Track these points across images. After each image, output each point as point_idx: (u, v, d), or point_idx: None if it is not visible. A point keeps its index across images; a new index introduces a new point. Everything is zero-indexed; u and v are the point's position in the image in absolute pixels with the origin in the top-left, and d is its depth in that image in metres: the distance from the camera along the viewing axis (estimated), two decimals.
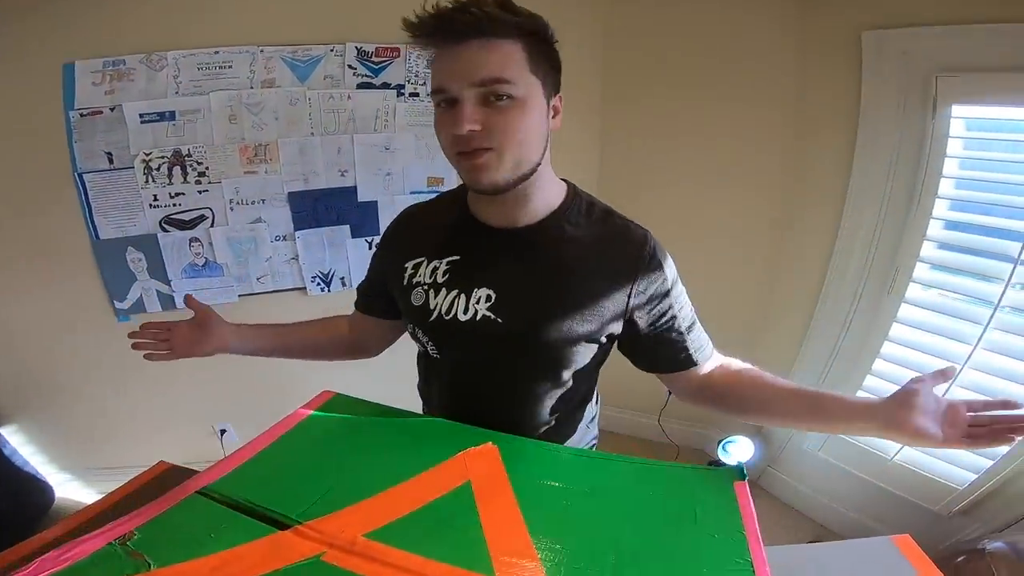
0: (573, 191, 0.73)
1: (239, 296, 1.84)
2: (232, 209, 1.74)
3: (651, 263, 0.69)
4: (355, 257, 1.88)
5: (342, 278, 1.90)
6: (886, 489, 1.65)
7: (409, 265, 0.74)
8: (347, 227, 1.84)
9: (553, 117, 0.66)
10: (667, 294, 0.71)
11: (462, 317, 0.69)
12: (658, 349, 0.74)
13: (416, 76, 1.76)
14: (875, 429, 0.60)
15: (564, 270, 0.68)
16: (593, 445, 0.90)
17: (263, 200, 1.75)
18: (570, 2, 1.84)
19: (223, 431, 1.98)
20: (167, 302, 1.79)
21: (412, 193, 1.86)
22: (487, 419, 0.71)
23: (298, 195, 1.77)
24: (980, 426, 0.56)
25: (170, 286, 1.77)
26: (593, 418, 0.88)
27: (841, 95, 1.56)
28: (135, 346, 0.83)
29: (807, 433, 1.79)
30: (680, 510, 0.55)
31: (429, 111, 1.80)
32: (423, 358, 0.81)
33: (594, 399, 0.87)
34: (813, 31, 1.62)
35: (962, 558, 1.30)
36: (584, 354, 0.71)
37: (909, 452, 1.61)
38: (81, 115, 1.58)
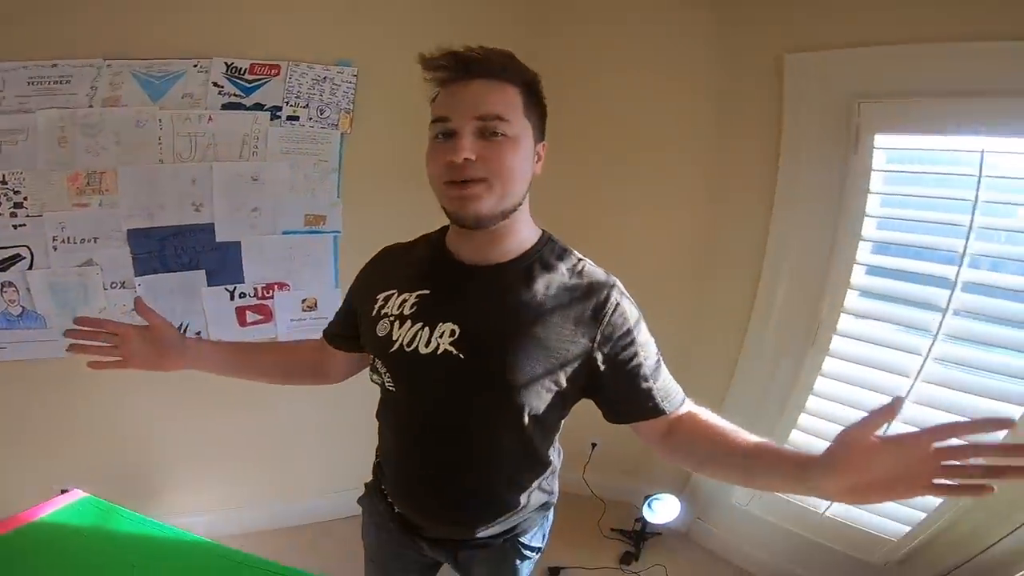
0: (547, 237, 0.78)
1: (67, 352, 1.47)
2: (56, 249, 1.42)
3: (616, 310, 0.72)
4: (213, 308, 1.55)
5: (198, 332, 1.55)
6: (818, 542, 1.60)
7: (380, 297, 0.77)
8: (203, 272, 1.52)
9: (537, 162, 0.72)
10: (632, 342, 0.73)
11: (423, 350, 0.71)
12: (624, 397, 0.74)
13: (297, 97, 1.51)
14: (824, 477, 0.56)
15: (530, 309, 0.71)
16: (548, 503, 0.90)
17: (95, 239, 1.44)
18: (491, 35, 1.64)
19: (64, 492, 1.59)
20: None
21: (286, 233, 1.56)
22: (436, 459, 0.76)
23: (140, 233, 1.46)
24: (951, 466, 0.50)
25: None
26: (552, 472, 0.87)
27: (763, 127, 1.46)
28: (72, 348, 0.80)
29: (734, 488, 1.74)
30: None
31: (309, 137, 1.55)
32: (381, 390, 0.83)
33: (555, 456, 0.87)
34: (734, 55, 1.51)
35: None
36: (543, 397, 0.72)
37: (840, 506, 1.53)
38: None
